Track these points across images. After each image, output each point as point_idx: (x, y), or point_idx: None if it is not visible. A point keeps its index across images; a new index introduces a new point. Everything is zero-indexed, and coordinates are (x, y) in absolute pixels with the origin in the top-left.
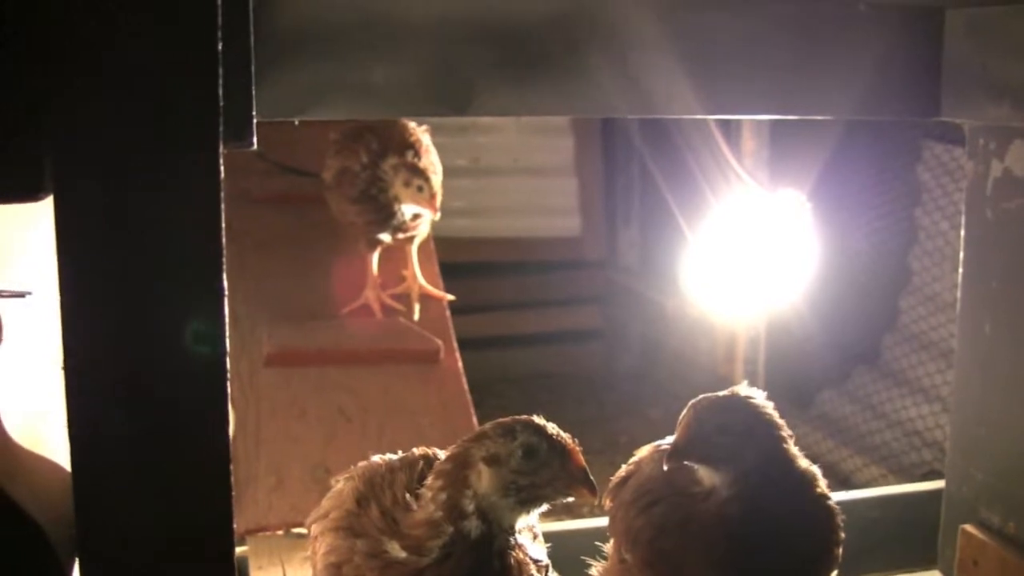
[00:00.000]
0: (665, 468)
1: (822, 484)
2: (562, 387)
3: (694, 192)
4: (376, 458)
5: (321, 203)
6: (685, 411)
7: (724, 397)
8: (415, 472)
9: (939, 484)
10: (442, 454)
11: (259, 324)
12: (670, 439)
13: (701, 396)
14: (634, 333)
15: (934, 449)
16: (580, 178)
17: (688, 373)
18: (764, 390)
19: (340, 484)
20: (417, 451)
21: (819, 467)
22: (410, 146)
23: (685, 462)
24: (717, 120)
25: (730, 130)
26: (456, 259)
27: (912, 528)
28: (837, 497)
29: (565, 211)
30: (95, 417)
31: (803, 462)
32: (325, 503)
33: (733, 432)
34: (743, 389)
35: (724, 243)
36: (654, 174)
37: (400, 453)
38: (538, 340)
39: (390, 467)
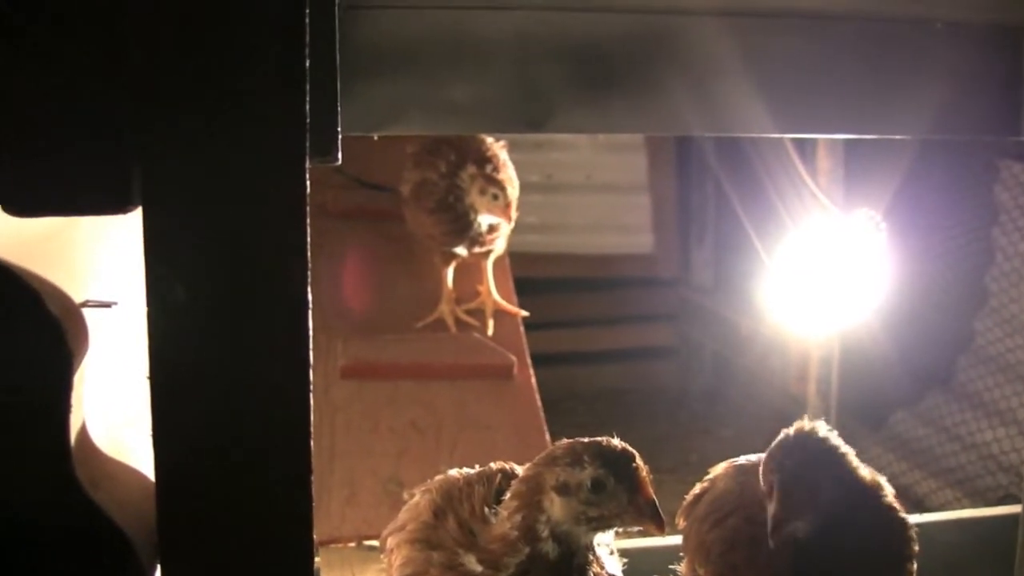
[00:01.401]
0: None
1: (890, 497)
2: (634, 404)
3: (768, 210)
4: (453, 472)
5: (397, 218)
6: (767, 472)
7: (803, 454)
8: (492, 486)
9: (1015, 509)
10: (519, 469)
11: (334, 337)
12: (745, 457)
13: (780, 454)
14: (707, 351)
15: (1010, 473)
16: (653, 195)
17: (761, 392)
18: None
19: (417, 497)
20: (495, 465)
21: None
22: (488, 160)
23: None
24: (792, 139)
25: (805, 149)
26: (530, 275)
27: (988, 553)
28: (912, 520)
29: (638, 228)
30: (180, 427)
31: (870, 475)
32: (402, 515)
33: (817, 484)
34: (810, 430)
35: (798, 262)
36: (728, 192)
37: (477, 468)
38: (611, 357)
39: (468, 480)
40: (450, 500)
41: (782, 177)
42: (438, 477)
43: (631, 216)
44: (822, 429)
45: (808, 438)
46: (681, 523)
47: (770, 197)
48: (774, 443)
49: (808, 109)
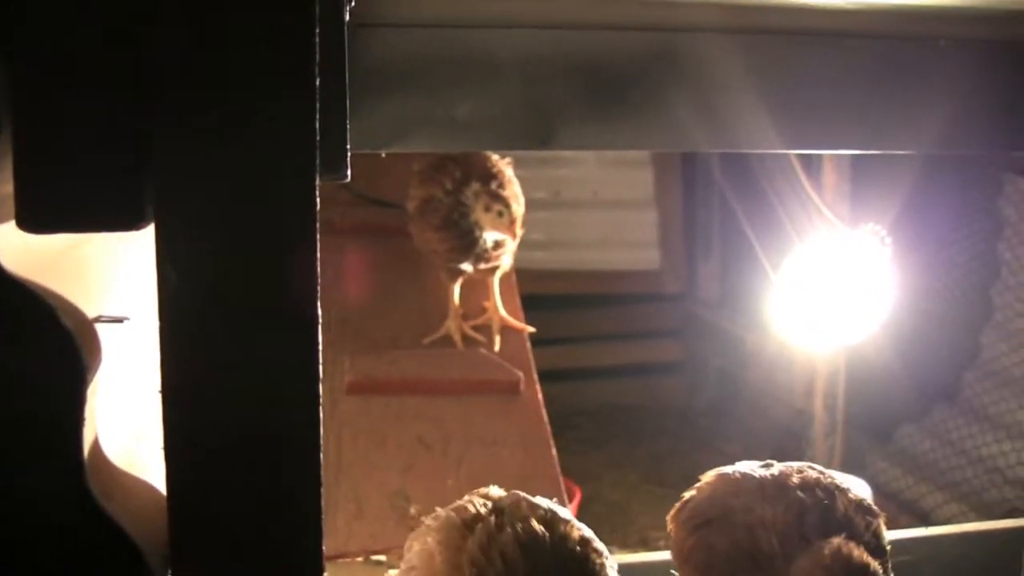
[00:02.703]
0: None
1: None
2: (640, 420)
3: (774, 225)
4: (455, 512)
5: (403, 234)
6: None
7: None
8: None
9: (1021, 522)
10: (543, 502)
11: (341, 353)
12: (732, 468)
13: None
14: (713, 367)
15: (1016, 487)
16: (660, 211)
17: (767, 407)
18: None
19: (429, 540)
20: (495, 512)
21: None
22: (493, 176)
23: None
24: (798, 154)
25: (811, 163)
26: (536, 291)
27: (994, 566)
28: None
29: (645, 244)
30: (190, 441)
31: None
32: (412, 555)
33: None
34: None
35: (804, 277)
36: (734, 208)
37: (478, 504)
38: (617, 373)
39: (479, 541)
40: (459, 559)
41: (788, 192)
42: (443, 515)
43: (638, 232)
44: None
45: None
46: (670, 527)
47: (776, 212)
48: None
49: (814, 125)
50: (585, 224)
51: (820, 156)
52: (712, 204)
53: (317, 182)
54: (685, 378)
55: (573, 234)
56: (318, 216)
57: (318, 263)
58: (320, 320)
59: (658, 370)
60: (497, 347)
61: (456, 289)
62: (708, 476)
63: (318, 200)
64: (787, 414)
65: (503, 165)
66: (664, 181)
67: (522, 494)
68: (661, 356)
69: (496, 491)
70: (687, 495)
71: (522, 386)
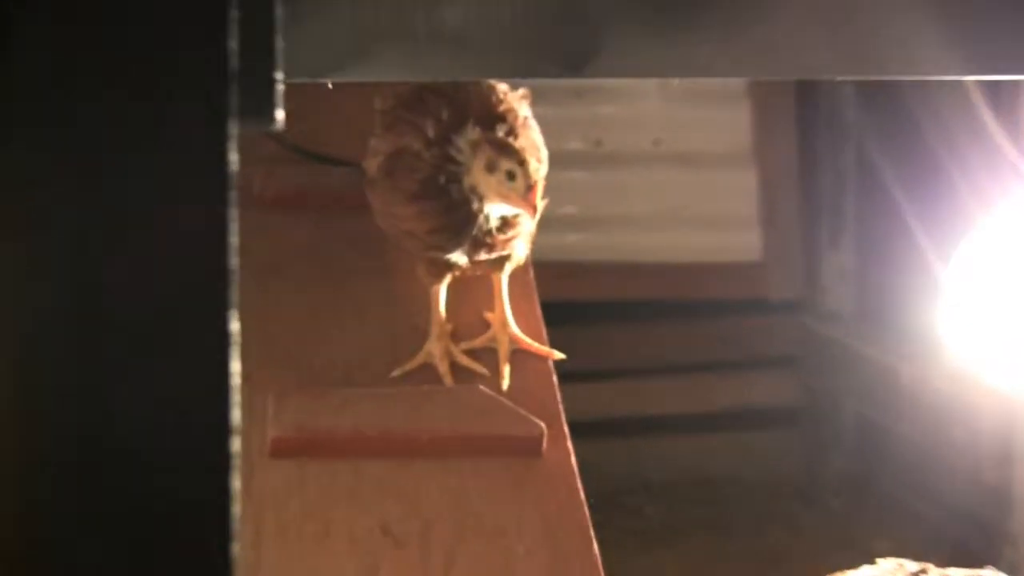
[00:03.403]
0: None
1: None
2: (736, 499)
3: (942, 193)
4: None
5: (361, 208)
6: None
7: None
8: None
9: None
10: None
11: (263, 391)
12: (869, 570)
13: None
14: (847, 413)
15: None
16: (762, 171)
17: (935, 480)
18: None
19: None
20: None
21: None
22: (499, 117)
23: None
24: (981, 82)
25: (1000, 97)
26: (568, 296)
27: None
28: None
29: (738, 222)
30: (36, 528)
31: None
32: None
33: None
34: None
35: (992, 274)
36: (878, 167)
37: None
38: (697, 424)
39: None
40: None
41: (964, 142)
42: None
43: (726, 203)
44: None
45: None
46: None
47: (946, 171)
48: None
49: (1001, 38)
50: (643, 191)
51: (1014, 87)
52: (844, 161)
53: (234, 131)
54: (805, 432)
55: (624, 206)
56: (234, 182)
57: (235, 253)
58: (237, 338)
59: (762, 419)
60: (506, 383)
61: (442, 292)
62: None
63: (235, 158)
64: (968, 491)
65: (515, 100)
66: (769, 125)
67: None
68: (767, 398)
69: None
70: None
71: (545, 444)
